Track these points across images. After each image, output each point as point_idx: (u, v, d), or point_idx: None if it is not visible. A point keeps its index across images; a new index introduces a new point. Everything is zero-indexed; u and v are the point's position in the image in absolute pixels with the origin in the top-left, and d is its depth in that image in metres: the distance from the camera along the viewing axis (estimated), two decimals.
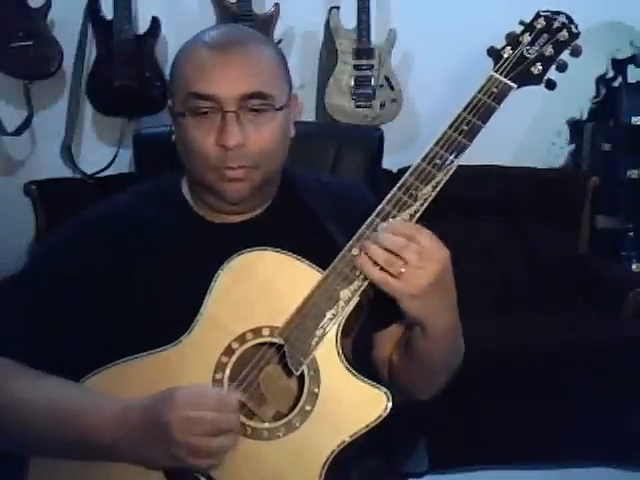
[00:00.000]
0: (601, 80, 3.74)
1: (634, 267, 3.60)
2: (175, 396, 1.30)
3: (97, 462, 1.37)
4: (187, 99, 1.45)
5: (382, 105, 3.53)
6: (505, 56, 1.44)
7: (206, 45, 1.47)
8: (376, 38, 3.53)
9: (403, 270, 1.33)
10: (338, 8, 3.54)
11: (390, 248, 1.33)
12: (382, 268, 1.34)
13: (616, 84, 3.69)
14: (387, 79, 3.53)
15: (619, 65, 3.69)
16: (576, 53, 1.44)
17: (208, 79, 1.44)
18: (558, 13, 1.46)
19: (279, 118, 1.48)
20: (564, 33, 1.44)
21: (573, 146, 3.88)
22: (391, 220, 1.37)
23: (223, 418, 1.30)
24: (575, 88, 3.49)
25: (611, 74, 3.72)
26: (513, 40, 1.45)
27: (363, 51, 3.51)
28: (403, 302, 1.36)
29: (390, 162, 2.47)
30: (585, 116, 3.81)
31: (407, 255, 1.32)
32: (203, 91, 1.43)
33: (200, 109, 1.44)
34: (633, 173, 3.62)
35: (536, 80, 1.44)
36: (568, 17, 1.46)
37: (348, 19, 3.52)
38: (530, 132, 3.84)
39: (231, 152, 1.43)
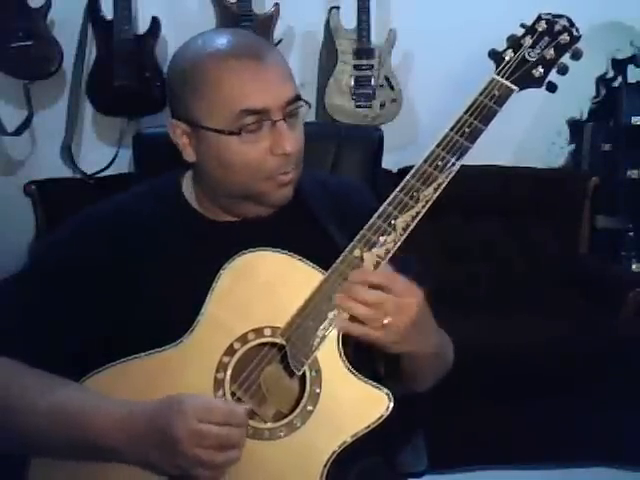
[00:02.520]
0: (601, 80, 3.73)
1: (634, 267, 3.60)
2: (184, 406, 1.30)
3: (99, 462, 1.38)
4: (238, 117, 1.43)
5: (382, 105, 3.53)
6: (506, 59, 1.45)
7: (237, 56, 1.45)
8: (376, 38, 3.53)
9: (385, 322, 1.35)
10: (338, 8, 3.54)
11: (369, 302, 1.35)
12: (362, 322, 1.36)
13: (616, 84, 3.69)
14: (387, 79, 3.53)
15: (619, 65, 3.68)
16: (577, 56, 1.45)
17: (255, 92, 1.43)
18: (559, 16, 1.46)
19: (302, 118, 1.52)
20: (565, 36, 1.45)
21: (573, 146, 3.88)
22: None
23: (231, 433, 1.30)
24: (575, 88, 3.48)
25: (611, 74, 3.71)
26: (514, 43, 1.46)
27: (363, 51, 3.50)
28: (387, 348, 1.39)
29: (390, 162, 2.47)
30: (585, 116, 3.81)
31: (386, 307, 1.35)
32: (255, 106, 1.42)
33: (251, 125, 1.43)
34: (633, 173, 3.62)
35: (537, 83, 1.45)
36: (569, 20, 1.46)
37: (348, 19, 3.52)
38: (530, 132, 3.83)
39: (287, 158, 1.45)
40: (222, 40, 1.49)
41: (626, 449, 3.12)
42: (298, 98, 1.47)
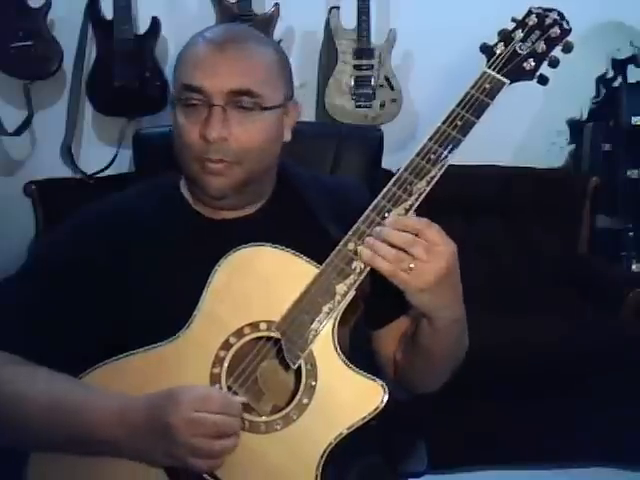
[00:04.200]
0: (601, 80, 3.73)
1: (634, 267, 3.60)
2: (179, 397, 1.30)
3: (97, 457, 1.38)
4: (180, 90, 1.48)
5: (382, 105, 3.54)
6: (498, 52, 1.45)
7: (204, 39, 1.50)
8: (376, 38, 3.54)
9: (412, 266, 1.34)
10: (338, 8, 3.55)
11: (398, 244, 1.34)
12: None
13: (616, 84, 3.69)
14: (387, 79, 3.54)
15: (619, 65, 3.68)
16: (568, 49, 1.45)
17: (199, 72, 1.46)
18: (550, 10, 1.47)
19: (268, 118, 1.49)
20: (556, 29, 1.45)
21: (573, 146, 3.88)
22: (394, 213, 1.38)
23: (227, 421, 1.31)
24: (575, 88, 3.49)
25: (611, 74, 3.72)
26: (505, 36, 1.46)
27: (363, 51, 3.51)
28: (411, 295, 1.37)
29: (390, 162, 2.46)
30: (585, 116, 3.81)
31: (415, 251, 1.33)
32: (193, 84, 1.46)
33: (189, 101, 1.47)
34: (633, 173, 3.62)
35: (528, 76, 1.45)
36: (560, 14, 1.46)
37: (348, 19, 3.52)
38: (530, 132, 3.84)
39: (212, 145, 1.45)
40: (213, 28, 1.59)
41: (626, 449, 3.12)
42: (251, 94, 1.46)
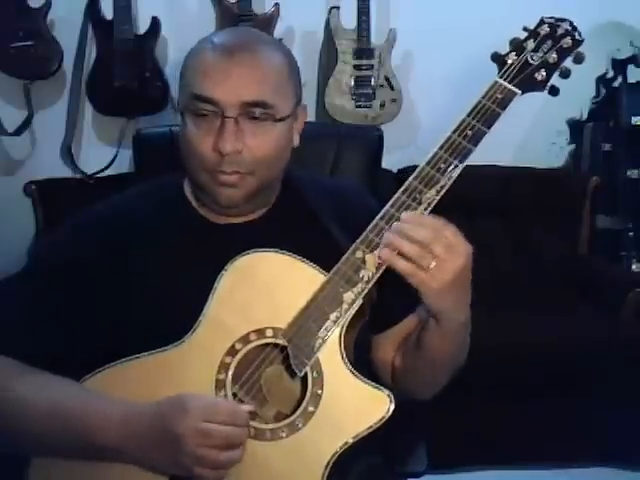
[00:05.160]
0: (601, 80, 3.73)
1: (634, 267, 3.60)
2: (187, 406, 1.30)
3: (99, 462, 1.38)
4: (190, 100, 1.45)
5: (382, 105, 3.53)
6: (509, 62, 1.44)
7: (213, 47, 1.46)
8: (376, 38, 3.54)
9: (433, 264, 1.32)
10: (338, 8, 3.55)
11: (419, 240, 1.32)
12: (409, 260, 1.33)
13: (616, 84, 3.69)
14: (387, 79, 3.54)
15: (619, 65, 3.68)
16: (579, 60, 1.45)
17: (210, 83, 1.43)
18: (562, 20, 1.46)
19: (280, 128, 1.47)
20: (568, 40, 1.44)
21: (573, 146, 3.88)
22: (416, 211, 1.37)
23: (234, 432, 1.30)
24: (575, 88, 3.46)
25: (611, 74, 3.71)
26: (517, 46, 1.45)
27: (363, 51, 3.51)
28: (427, 295, 1.36)
29: (390, 162, 2.48)
30: (585, 116, 3.81)
31: (436, 248, 1.32)
32: (204, 94, 1.43)
33: (200, 111, 1.44)
34: (633, 173, 3.62)
35: (540, 86, 1.44)
36: (572, 24, 1.46)
37: (348, 19, 3.53)
38: (530, 132, 3.84)
39: (226, 158, 1.43)
40: (222, 33, 1.55)
41: (626, 449, 3.12)
42: (265, 105, 1.44)
